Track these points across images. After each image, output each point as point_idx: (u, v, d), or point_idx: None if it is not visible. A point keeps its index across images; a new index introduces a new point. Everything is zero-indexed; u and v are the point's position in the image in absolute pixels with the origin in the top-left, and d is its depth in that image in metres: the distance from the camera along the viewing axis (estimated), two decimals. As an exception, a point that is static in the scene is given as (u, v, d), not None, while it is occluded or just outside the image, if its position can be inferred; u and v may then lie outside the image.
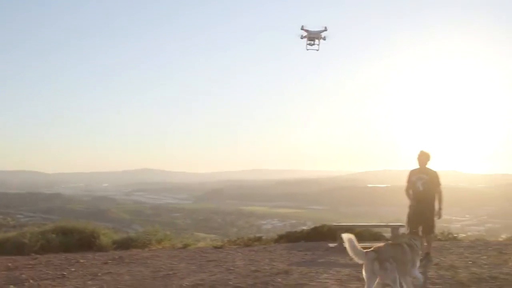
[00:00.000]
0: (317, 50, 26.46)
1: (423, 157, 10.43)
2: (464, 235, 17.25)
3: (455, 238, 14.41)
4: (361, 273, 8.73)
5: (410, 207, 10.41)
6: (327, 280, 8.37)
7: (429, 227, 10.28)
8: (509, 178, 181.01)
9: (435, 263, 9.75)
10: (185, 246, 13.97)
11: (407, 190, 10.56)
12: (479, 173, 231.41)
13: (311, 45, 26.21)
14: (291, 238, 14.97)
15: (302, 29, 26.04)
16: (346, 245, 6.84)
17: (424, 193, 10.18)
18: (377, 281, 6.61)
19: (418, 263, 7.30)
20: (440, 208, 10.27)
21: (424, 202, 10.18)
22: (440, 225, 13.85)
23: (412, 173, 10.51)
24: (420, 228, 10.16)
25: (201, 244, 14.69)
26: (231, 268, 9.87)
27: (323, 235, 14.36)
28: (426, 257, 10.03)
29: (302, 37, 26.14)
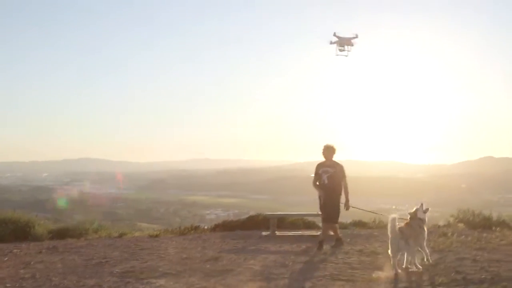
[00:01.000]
0: (346, 56, 26.73)
1: (329, 151, 10.95)
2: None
3: (384, 226, 14.98)
4: (287, 259, 9.22)
5: (319, 198, 10.89)
6: (253, 266, 8.74)
7: (332, 218, 10.83)
8: (446, 168, 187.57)
9: (358, 249, 10.25)
10: (121, 236, 14.06)
11: (314, 182, 10.97)
12: (418, 164, 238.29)
13: (341, 50, 26.56)
14: (226, 227, 15.23)
15: (334, 35, 26.51)
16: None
17: (329, 185, 10.70)
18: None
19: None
20: (347, 200, 10.87)
21: (329, 194, 10.70)
22: (381, 213, 14.45)
23: (319, 166, 10.95)
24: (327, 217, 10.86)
25: (137, 234, 14.81)
26: (163, 255, 10.12)
27: (258, 224, 14.69)
28: (337, 241, 10.76)
29: (331, 43, 26.69)
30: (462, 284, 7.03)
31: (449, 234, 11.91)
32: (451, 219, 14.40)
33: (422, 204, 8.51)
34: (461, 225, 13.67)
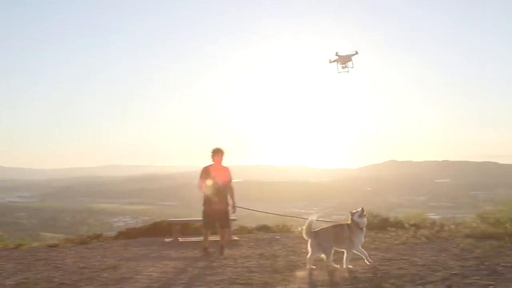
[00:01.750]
0: (348, 72, 26.63)
1: (220, 154, 10.86)
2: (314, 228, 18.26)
3: (288, 230, 15.31)
4: (188, 265, 9.23)
5: (206, 203, 10.75)
6: (152, 273, 8.67)
7: (226, 222, 10.91)
8: (352, 172, 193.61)
9: (259, 253, 10.42)
10: (17, 246, 13.52)
11: (202, 186, 10.76)
12: (326, 168, 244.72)
13: (343, 68, 26.45)
14: (130, 234, 15.02)
15: (336, 55, 26.30)
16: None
17: (222, 189, 10.73)
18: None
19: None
20: (234, 203, 10.92)
21: (221, 198, 10.70)
22: (289, 218, 14.72)
23: (210, 169, 10.81)
24: (217, 224, 10.86)
25: (35, 244, 14.30)
26: (59, 265, 9.83)
27: (162, 231, 14.58)
28: (220, 250, 10.66)
29: (331, 61, 26.44)
30: (354, 283, 7.33)
31: (347, 236, 12.36)
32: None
33: (362, 209, 8.78)
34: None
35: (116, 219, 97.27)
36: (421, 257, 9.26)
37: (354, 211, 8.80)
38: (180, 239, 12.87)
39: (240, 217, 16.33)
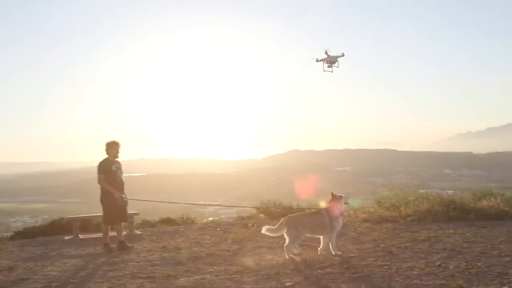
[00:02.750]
0: (331, 71, 28.71)
1: (117, 147, 10.58)
2: (217, 218, 18.33)
3: (192, 222, 15.29)
4: (89, 262, 9.00)
5: (109, 199, 10.30)
6: (50, 272, 8.33)
7: (126, 215, 10.67)
8: (256, 163, 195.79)
9: (162, 246, 10.33)
10: None
11: (103, 180, 10.34)
12: (230, 159, 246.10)
13: (329, 67, 28.46)
14: (28, 234, 14.37)
15: (326, 53, 28.26)
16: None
17: (121, 183, 10.51)
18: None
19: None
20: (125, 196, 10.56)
21: (121, 191, 10.41)
22: (195, 209, 14.58)
23: (109, 162, 10.48)
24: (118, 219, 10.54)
25: None
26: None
27: (62, 228, 14.04)
28: (120, 245, 10.31)
29: (317, 60, 28.27)
30: (255, 271, 7.45)
31: (250, 225, 12.53)
32: (254, 211, 15.10)
33: (347, 197, 9.03)
34: (262, 216, 14.39)
35: (14, 219, 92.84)
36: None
37: (345, 195, 9.02)
38: (81, 236, 12.44)
39: (144, 211, 16.14)
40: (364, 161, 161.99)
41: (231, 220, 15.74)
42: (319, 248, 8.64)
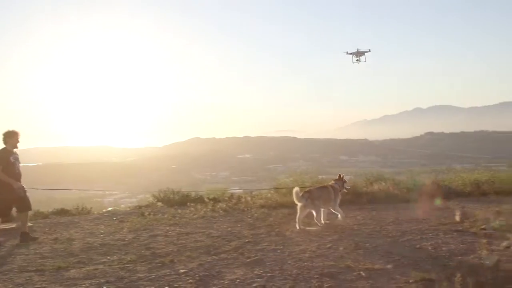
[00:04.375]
0: (359, 62, 34.17)
1: (16, 137, 10.05)
2: (118, 208, 17.86)
3: (88, 212, 14.84)
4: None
5: (4, 190, 9.67)
6: None
7: (27, 205, 10.17)
8: (157, 151, 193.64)
9: (54, 238, 9.93)
10: None
11: (1, 171, 9.71)
12: (131, 148, 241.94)
13: (358, 60, 33.46)
14: None
15: (357, 50, 33.17)
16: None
17: (19, 174, 10.00)
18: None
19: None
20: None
21: (19, 182, 9.91)
22: (94, 200, 14.15)
23: (7, 153, 9.93)
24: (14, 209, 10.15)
25: None
26: None
27: None
28: (23, 236, 9.84)
29: (348, 53, 33.23)
30: (150, 259, 7.36)
31: (147, 213, 12.37)
32: (151, 199, 14.93)
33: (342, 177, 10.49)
34: (160, 204, 14.26)
35: None
36: (218, 229, 9.62)
37: (343, 176, 10.51)
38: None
39: (39, 202, 15.48)
40: (265, 149, 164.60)
41: (128, 209, 15.43)
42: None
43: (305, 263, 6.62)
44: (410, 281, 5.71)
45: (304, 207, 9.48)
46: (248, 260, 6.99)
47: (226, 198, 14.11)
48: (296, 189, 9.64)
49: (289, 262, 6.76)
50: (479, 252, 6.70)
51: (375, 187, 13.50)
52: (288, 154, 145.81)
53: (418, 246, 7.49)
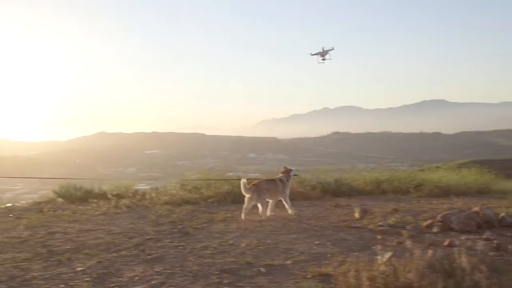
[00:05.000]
0: (323, 62, 34.29)
1: None
2: (17, 204, 16.99)
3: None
4: None
5: None
6: None
7: None
8: (61, 145, 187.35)
9: None
10: None
11: None
12: (32, 141, 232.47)
13: (323, 59, 33.55)
14: None
15: (323, 50, 33.52)
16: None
17: None
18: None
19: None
20: None
21: None
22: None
23: None
24: None
25: None
26: None
27: None
28: None
29: (312, 54, 33.27)
30: (46, 257, 7.08)
31: (46, 210, 11.92)
32: (52, 195, 14.42)
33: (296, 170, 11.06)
34: (60, 200, 13.79)
35: None
36: (120, 226, 9.42)
37: (291, 169, 10.84)
38: None
39: None
40: (173, 145, 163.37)
41: (27, 205, 14.79)
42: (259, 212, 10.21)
43: (206, 260, 6.62)
44: (308, 276, 5.85)
45: (250, 199, 10.00)
46: (149, 257, 6.89)
47: (130, 195, 13.85)
48: (243, 180, 10.13)
49: (190, 258, 6.73)
50: (374, 247, 6.97)
51: (280, 185, 13.72)
52: (196, 151, 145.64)
53: (317, 242, 7.68)
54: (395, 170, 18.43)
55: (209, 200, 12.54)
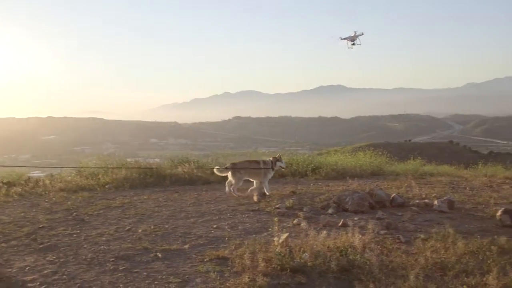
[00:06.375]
0: (352, 47, 34.35)
1: None
2: None
3: None
4: None
5: None
6: None
7: None
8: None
9: None
10: None
11: None
12: None
13: (353, 44, 33.41)
14: None
15: (355, 34, 33.55)
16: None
17: None
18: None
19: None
20: None
21: None
22: None
23: None
24: None
25: None
26: None
27: None
28: None
29: (342, 39, 33.22)
30: None
31: None
32: None
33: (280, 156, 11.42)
34: None
35: None
36: (10, 215, 8.96)
37: (277, 159, 11.18)
38: None
39: None
40: (71, 130, 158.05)
41: None
42: (250, 189, 11.06)
43: (102, 247, 6.49)
44: (205, 259, 5.88)
45: (232, 175, 10.83)
46: (41, 246, 6.64)
47: (23, 182, 13.22)
48: (216, 167, 11.55)
49: (85, 246, 6.57)
50: (271, 229, 7.12)
51: (179, 169, 13.65)
52: (96, 136, 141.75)
53: (215, 226, 7.73)
54: (294, 154, 18.81)
55: (106, 186, 12.25)
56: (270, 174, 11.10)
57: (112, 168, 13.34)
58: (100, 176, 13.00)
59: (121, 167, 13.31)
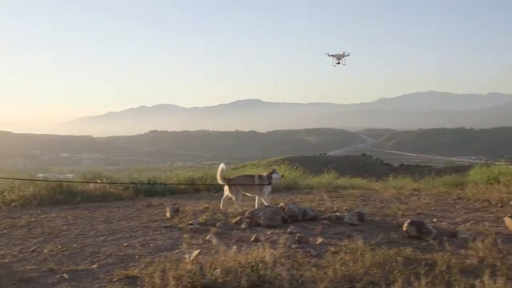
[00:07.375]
0: (335, 66, 33.36)
1: None
2: None
3: None
4: None
5: None
6: None
7: None
8: None
9: None
10: None
11: None
12: None
13: (338, 63, 32.80)
14: None
15: (343, 53, 33.09)
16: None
17: None
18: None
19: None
20: None
21: None
22: None
23: None
24: None
25: None
26: None
27: None
28: None
29: (329, 55, 32.63)
30: None
31: None
32: None
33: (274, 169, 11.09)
34: None
35: None
36: None
37: (274, 170, 10.89)
38: None
39: None
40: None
41: None
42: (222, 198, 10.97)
43: (2, 270, 6.16)
44: (114, 279, 5.72)
45: (230, 191, 10.65)
46: None
47: None
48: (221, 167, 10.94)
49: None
50: (182, 246, 7.03)
51: (91, 185, 13.26)
52: (2, 150, 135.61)
53: (126, 244, 7.54)
54: (210, 168, 18.75)
55: (12, 204, 11.69)
56: (268, 188, 10.86)
57: (18, 185, 12.78)
58: (6, 193, 12.39)
59: (26, 179, 12.77)
